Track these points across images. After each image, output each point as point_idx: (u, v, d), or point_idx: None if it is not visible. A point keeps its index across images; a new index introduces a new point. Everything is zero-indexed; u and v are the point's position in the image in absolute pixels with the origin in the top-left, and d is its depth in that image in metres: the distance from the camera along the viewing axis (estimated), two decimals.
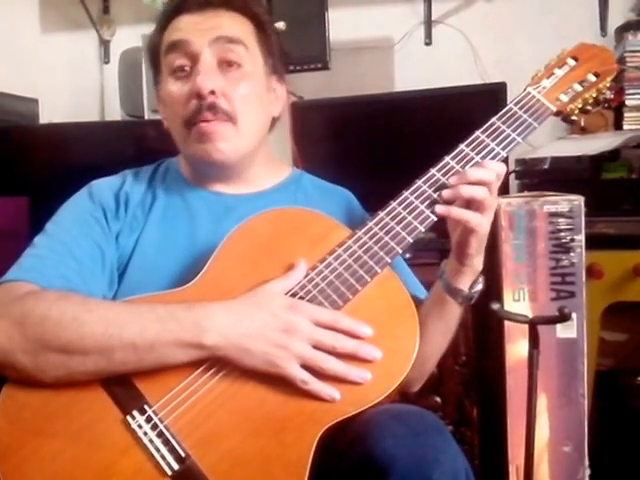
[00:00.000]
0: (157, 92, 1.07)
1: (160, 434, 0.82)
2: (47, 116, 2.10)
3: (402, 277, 0.94)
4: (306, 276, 0.89)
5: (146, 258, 0.99)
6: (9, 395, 0.85)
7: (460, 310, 0.99)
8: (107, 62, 2.41)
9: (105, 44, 2.41)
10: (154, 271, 0.97)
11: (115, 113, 2.24)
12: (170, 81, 1.00)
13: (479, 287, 0.97)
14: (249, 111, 1.00)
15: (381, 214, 0.93)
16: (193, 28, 0.99)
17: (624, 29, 1.87)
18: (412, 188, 0.93)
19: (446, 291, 0.97)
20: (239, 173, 1.05)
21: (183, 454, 0.81)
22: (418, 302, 0.94)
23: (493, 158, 0.93)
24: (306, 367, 0.83)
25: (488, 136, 0.95)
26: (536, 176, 1.68)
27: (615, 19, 1.99)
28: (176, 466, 0.81)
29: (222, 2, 1.01)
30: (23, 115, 2.02)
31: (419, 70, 2.15)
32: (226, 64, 0.99)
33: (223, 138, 0.98)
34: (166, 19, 1.03)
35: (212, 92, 0.96)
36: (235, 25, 1.01)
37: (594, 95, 1.01)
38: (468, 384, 1.42)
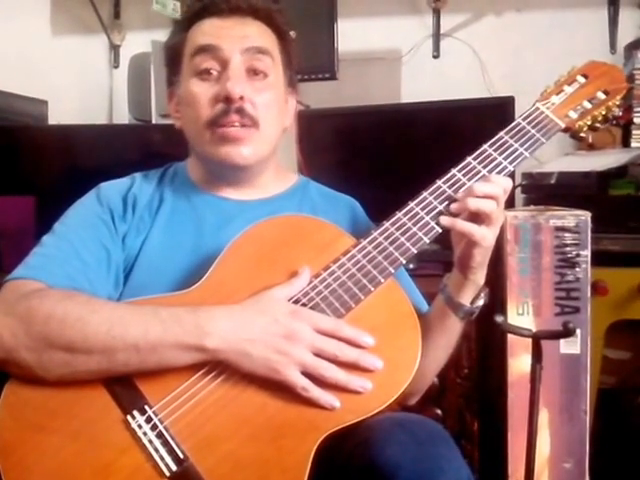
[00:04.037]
0: (171, 91, 1.07)
1: (159, 435, 0.82)
2: (56, 118, 2.11)
3: (405, 290, 0.94)
4: (309, 284, 0.89)
5: (151, 260, 0.99)
6: (12, 391, 0.85)
7: (461, 325, 0.99)
8: (116, 66, 2.43)
9: (115, 49, 2.43)
10: (159, 273, 0.97)
11: (123, 117, 2.26)
12: (194, 81, 1.00)
13: (481, 302, 0.96)
14: (270, 119, 1.02)
15: (386, 224, 0.92)
16: (223, 34, 1.00)
17: (633, 46, 1.88)
18: (418, 199, 0.93)
19: (448, 305, 0.97)
20: (250, 179, 1.06)
21: (182, 456, 0.81)
22: (420, 315, 0.93)
23: (500, 172, 0.93)
24: (307, 374, 0.83)
25: (496, 150, 0.95)
26: (543, 191, 1.67)
27: (625, 36, 1.99)
28: (174, 467, 0.81)
29: (250, 10, 1.02)
30: (32, 116, 2.03)
31: (426, 83, 2.16)
32: (253, 72, 1.00)
33: (247, 143, 0.99)
34: (190, 20, 1.04)
35: (241, 97, 0.97)
36: (263, 36, 1.03)
37: (603, 112, 1.01)
38: (469, 397, 1.42)
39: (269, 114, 1.01)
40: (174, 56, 1.05)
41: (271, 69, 1.02)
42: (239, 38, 1.00)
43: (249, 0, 1.02)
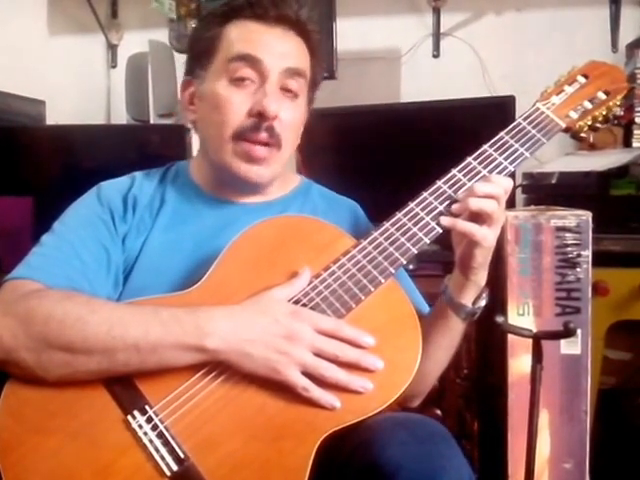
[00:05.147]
0: (189, 81, 1.04)
1: (160, 435, 0.82)
2: (54, 118, 2.11)
3: (405, 290, 0.94)
4: (310, 284, 0.89)
5: (151, 261, 0.99)
6: (12, 391, 0.85)
7: (463, 326, 0.98)
8: (114, 66, 2.42)
9: (112, 48, 2.42)
10: (159, 274, 0.97)
11: (121, 117, 2.25)
12: (225, 85, 0.98)
13: (482, 303, 0.96)
14: (291, 139, 1.02)
15: (386, 224, 0.92)
16: (266, 46, 0.98)
17: (635, 46, 1.87)
18: (418, 199, 0.93)
19: (449, 306, 0.96)
20: (259, 190, 1.05)
21: (182, 455, 0.81)
22: (421, 317, 0.93)
23: (501, 172, 0.93)
24: (307, 374, 0.83)
25: (496, 150, 0.95)
26: (543, 191, 1.67)
27: (626, 35, 1.98)
28: (175, 467, 0.81)
29: (296, 24, 1.00)
30: (30, 116, 2.03)
31: (426, 82, 2.15)
32: (285, 90, 0.99)
33: (267, 164, 0.99)
34: (227, 15, 1.00)
35: (275, 116, 0.97)
36: (301, 57, 1.02)
37: (604, 113, 1.01)
38: (469, 397, 1.41)
39: (291, 134, 1.01)
40: (205, 50, 1.01)
41: (302, 91, 1.02)
42: (281, 54, 0.98)
43: (296, 11, 1.01)
